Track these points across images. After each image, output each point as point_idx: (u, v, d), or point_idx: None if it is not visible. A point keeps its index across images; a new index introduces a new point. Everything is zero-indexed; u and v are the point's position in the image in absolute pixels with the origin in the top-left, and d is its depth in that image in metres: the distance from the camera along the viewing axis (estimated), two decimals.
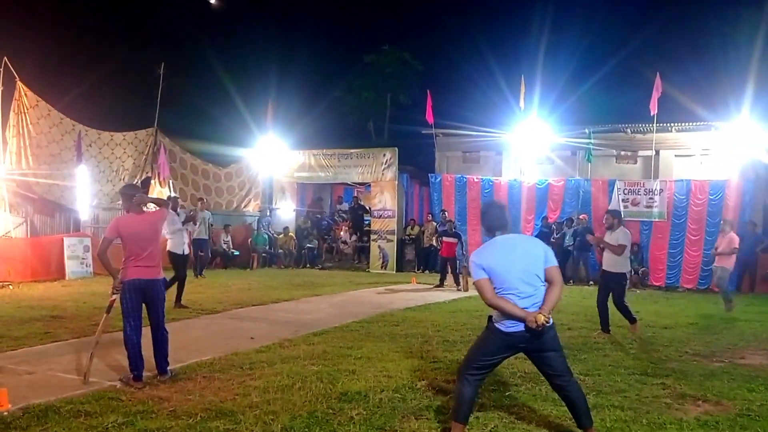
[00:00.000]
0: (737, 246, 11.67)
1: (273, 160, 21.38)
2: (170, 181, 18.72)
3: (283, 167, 21.54)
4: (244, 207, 21.59)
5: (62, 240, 15.03)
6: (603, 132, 19.65)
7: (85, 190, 16.55)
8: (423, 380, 5.92)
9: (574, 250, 17.02)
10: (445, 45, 34.24)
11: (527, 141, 19.50)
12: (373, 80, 32.26)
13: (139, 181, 18.06)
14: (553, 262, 4.35)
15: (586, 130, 19.39)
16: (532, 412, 5.08)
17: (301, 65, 29.49)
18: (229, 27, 32.85)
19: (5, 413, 4.70)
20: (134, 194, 6.10)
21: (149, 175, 18.25)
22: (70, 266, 14.87)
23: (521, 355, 6.98)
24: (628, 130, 19.69)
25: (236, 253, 19.46)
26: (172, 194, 17.01)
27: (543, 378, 5.96)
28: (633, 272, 16.53)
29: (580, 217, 17.37)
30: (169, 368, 5.95)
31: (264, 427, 4.60)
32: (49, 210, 16.36)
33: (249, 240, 20.36)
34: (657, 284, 17.04)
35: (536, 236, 17.69)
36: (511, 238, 4.43)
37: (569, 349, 7.52)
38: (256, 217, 21.44)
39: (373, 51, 32.06)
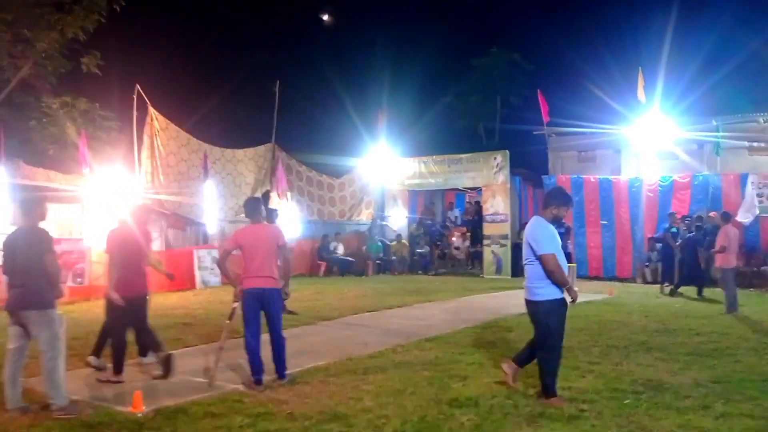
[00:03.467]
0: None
1: (384, 169, 21.72)
2: (288, 194, 19.56)
3: (395, 175, 21.81)
4: (357, 216, 22.08)
5: (192, 252, 16.08)
6: (733, 123, 18.33)
7: (212, 205, 17.60)
8: (536, 387, 5.80)
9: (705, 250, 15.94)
10: (554, 42, 33.26)
11: (648, 136, 18.54)
12: (482, 83, 32.02)
13: (260, 195, 19.01)
14: None
15: (714, 122, 18.16)
16: (654, 422, 4.83)
17: (410, 73, 29.78)
18: (340, 39, 33.81)
19: (139, 415, 5.10)
20: (256, 207, 6.43)
21: (269, 188, 19.13)
22: (201, 276, 15.87)
23: (642, 361, 6.74)
24: (761, 119, 18.23)
25: (351, 260, 19.94)
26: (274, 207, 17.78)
27: (666, 386, 5.73)
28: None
29: (710, 214, 16.25)
30: (286, 372, 6.21)
31: (375, 430, 4.72)
32: (180, 224, 17.56)
33: (363, 248, 20.81)
34: None
35: (661, 236, 16.89)
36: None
37: (698, 355, 7.10)
38: (370, 225, 21.86)
39: (481, 54, 31.85)
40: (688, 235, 14.80)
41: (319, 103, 27.65)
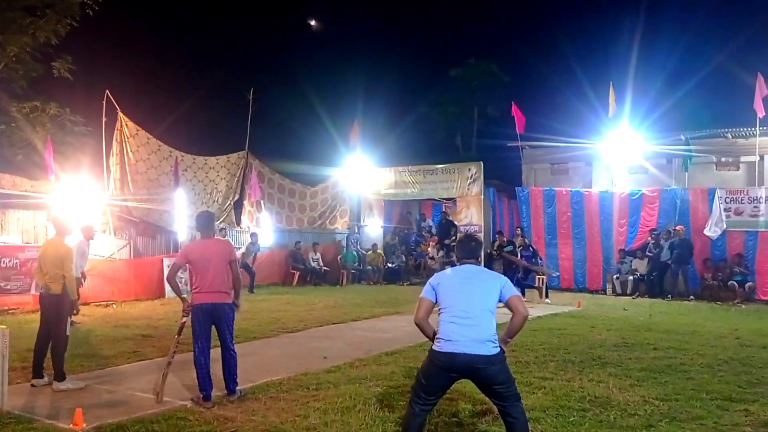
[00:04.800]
0: None
1: (360, 178, 21.72)
2: (261, 202, 19.48)
3: (370, 184, 21.82)
4: (330, 224, 22.03)
5: (161, 261, 15.90)
6: (701, 138, 18.63)
7: (182, 213, 17.45)
8: (484, 404, 5.79)
9: (672, 263, 16.15)
10: (531, 55, 33.63)
11: (618, 150, 18.77)
12: (460, 94, 32.21)
13: (232, 203, 18.90)
14: (513, 292, 4.40)
15: (683, 137, 18.42)
16: None
17: (386, 82, 29.93)
18: (316, 47, 33.86)
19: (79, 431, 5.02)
20: (207, 222, 6.38)
21: (241, 196, 19.03)
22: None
23: (594, 376, 6.77)
24: (729, 135, 18.54)
25: (326, 269, 19.87)
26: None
27: (613, 403, 5.75)
28: (737, 285, 15.49)
29: (677, 228, 16.46)
30: (238, 388, 6.13)
31: None
32: (150, 232, 17.37)
33: (339, 257, 20.76)
34: (765, 298, 15.82)
35: (632, 248, 17.10)
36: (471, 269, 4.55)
37: (651, 371, 7.14)
38: (345, 235, 21.82)
39: (459, 65, 32.05)
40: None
41: (295, 112, 27.63)
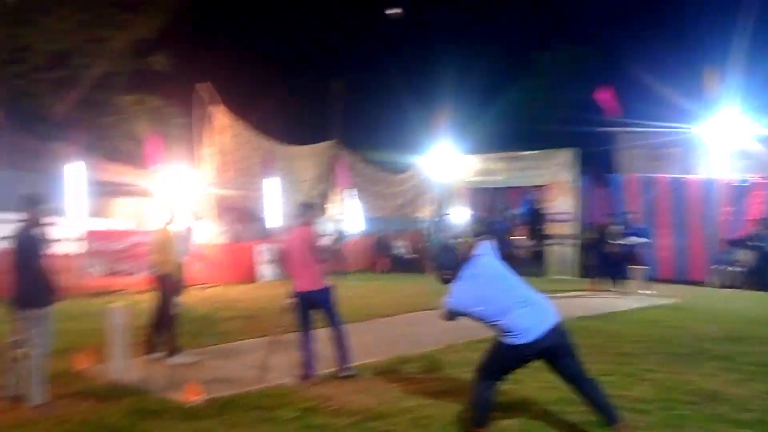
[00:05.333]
0: None
1: (446, 166, 21.61)
2: (349, 191, 19.76)
3: (457, 172, 21.67)
4: (417, 212, 22.06)
5: (254, 247, 16.49)
6: None
7: (273, 201, 17.96)
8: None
9: None
10: (624, 36, 32.22)
11: (721, 134, 17.74)
12: (549, 79, 31.37)
13: (320, 192, 19.29)
14: None
15: None
16: None
17: (473, 68, 29.44)
18: (403, 35, 33.79)
19: (193, 404, 5.28)
20: (305, 211, 6.57)
21: (329, 185, 19.39)
22: (261, 270, 16.25)
23: (703, 370, 6.47)
24: None
25: (411, 257, 19.96)
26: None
27: (724, 397, 5.48)
28: None
29: None
30: (340, 369, 6.27)
31: (417, 431, 4.71)
32: (243, 219, 18.02)
33: (424, 245, 20.78)
34: None
35: (738, 238, 16.12)
36: None
37: (763, 366, 6.75)
38: (430, 223, 21.80)
39: (547, 48, 31.20)
40: None
41: (382, 100, 27.74)
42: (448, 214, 22.24)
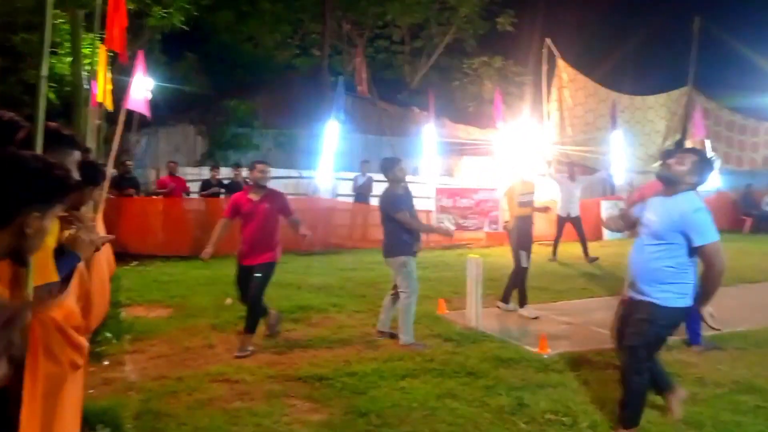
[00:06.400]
0: None
1: None
2: (707, 141, 17.76)
3: None
4: None
5: (599, 203, 15.98)
6: None
7: (619, 155, 17.14)
8: None
9: None
10: None
11: None
12: None
13: (673, 143, 17.71)
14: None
15: None
16: None
17: None
18: None
19: (545, 356, 5.44)
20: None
21: (683, 136, 17.69)
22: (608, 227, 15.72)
23: None
24: None
25: None
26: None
27: None
28: None
29: None
30: (699, 338, 5.77)
31: None
32: (588, 175, 17.58)
33: None
34: None
35: None
36: None
37: None
38: None
39: None
40: None
41: (748, 38, 23.97)
42: None
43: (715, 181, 17.63)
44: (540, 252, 12.96)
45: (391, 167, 6.03)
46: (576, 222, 11.97)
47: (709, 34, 18.59)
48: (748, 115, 18.87)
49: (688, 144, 17.58)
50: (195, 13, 13.72)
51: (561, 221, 12.03)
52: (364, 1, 19.96)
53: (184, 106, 16.60)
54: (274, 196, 5.91)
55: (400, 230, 5.94)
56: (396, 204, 5.97)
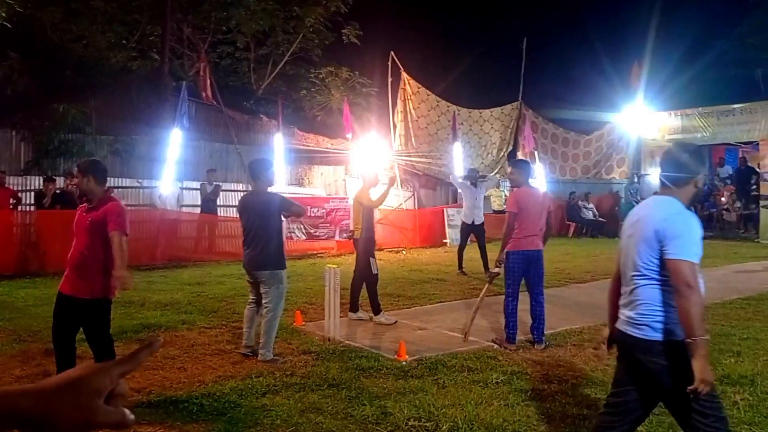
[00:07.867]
0: None
1: (641, 123, 20.22)
2: (536, 153, 19.26)
3: (653, 130, 20.20)
4: (606, 174, 20.96)
5: (443, 211, 16.74)
6: None
7: (459, 165, 18.07)
8: None
9: None
10: None
11: None
12: (762, 21, 27.76)
13: (505, 154, 19.00)
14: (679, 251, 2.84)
15: None
16: None
17: (673, 15, 26.95)
18: None
19: (404, 363, 5.54)
20: (526, 169, 6.51)
21: (514, 147, 19.06)
22: (451, 234, 16.48)
23: None
24: None
25: (601, 221, 19.11)
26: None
27: None
28: None
29: None
30: (543, 338, 6.21)
31: None
32: (431, 184, 18.36)
33: (616, 208, 19.74)
34: None
35: None
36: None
37: None
38: (623, 185, 20.64)
39: None
40: None
41: (571, 57, 26.42)
42: (646, 175, 20.87)
43: (542, 190, 19.18)
44: (388, 258, 13.34)
45: (263, 170, 5.76)
46: (479, 231, 11.12)
47: (538, 52, 20.25)
48: (570, 128, 20.77)
49: (519, 155, 18.99)
50: (18, 9, 12.50)
51: (465, 229, 11.20)
52: (207, 5, 19.35)
53: (5, 109, 15.03)
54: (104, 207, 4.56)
55: (281, 239, 5.75)
56: (289, 201, 5.87)
